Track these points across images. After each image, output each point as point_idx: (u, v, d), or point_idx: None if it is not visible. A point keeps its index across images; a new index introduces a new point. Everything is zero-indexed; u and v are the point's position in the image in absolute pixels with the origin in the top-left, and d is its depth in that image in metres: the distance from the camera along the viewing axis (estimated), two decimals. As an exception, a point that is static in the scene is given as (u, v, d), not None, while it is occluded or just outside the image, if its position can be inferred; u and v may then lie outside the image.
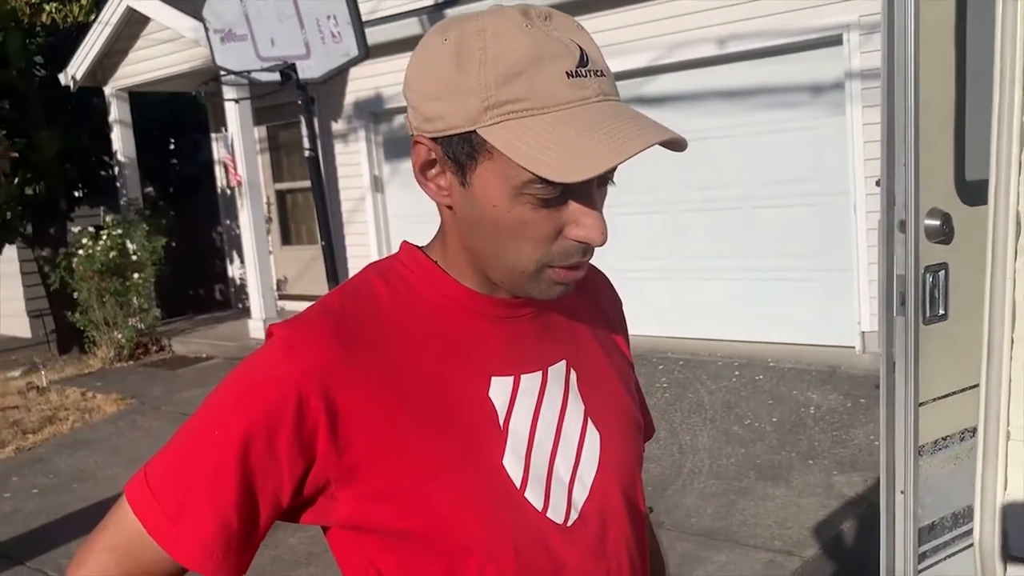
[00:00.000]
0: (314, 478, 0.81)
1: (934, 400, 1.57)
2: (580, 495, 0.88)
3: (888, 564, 1.61)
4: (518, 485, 0.84)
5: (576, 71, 0.75)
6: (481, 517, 0.83)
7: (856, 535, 3.48)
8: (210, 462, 0.80)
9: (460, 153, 0.78)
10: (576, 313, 0.96)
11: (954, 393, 1.59)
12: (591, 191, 0.79)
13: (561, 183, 0.75)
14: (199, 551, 0.80)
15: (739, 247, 5.97)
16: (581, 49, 0.77)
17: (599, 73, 0.77)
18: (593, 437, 0.91)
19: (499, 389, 0.86)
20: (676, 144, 0.78)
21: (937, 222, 1.53)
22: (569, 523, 0.87)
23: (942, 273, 1.56)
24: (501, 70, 0.75)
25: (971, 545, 1.35)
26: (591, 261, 1.04)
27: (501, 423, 0.85)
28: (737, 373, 5.49)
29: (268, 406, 0.79)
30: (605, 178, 0.80)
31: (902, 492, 1.54)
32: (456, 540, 0.82)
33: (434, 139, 0.80)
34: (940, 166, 1.56)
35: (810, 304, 5.71)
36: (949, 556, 1.62)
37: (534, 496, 0.85)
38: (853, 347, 5.44)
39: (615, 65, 0.74)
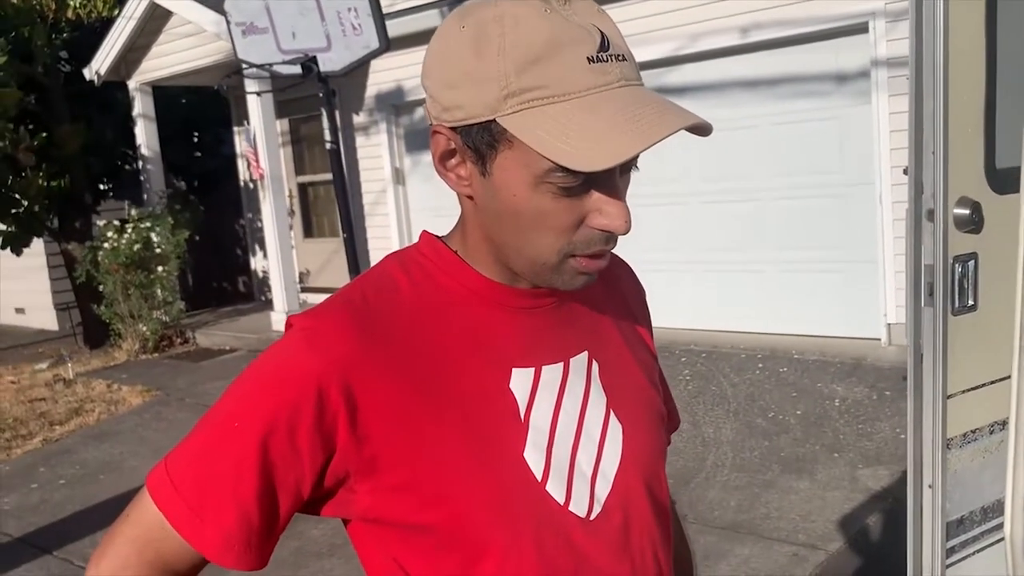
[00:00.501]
0: (334, 470, 0.81)
1: (963, 392, 1.54)
2: (603, 488, 0.87)
3: (916, 559, 1.59)
4: (539, 478, 0.83)
5: (597, 56, 0.74)
6: (501, 510, 0.82)
7: (882, 529, 3.44)
8: (231, 454, 0.80)
9: (480, 142, 0.77)
10: (598, 303, 0.95)
11: (983, 385, 1.56)
12: (614, 179, 0.78)
13: (583, 172, 0.73)
14: (221, 543, 0.80)
15: (763, 238, 5.92)
16: (602, 33, 0.75)
17: (621, 58, 0.76)
18: (615, 429, 0.89)
19: (520, 381, 0.85)
20: (701, 129, 0.76)
21: (967, 211, 1.50)
22: (592, 517, 0.85)
23: (971, 263, 1.53)
24: (520, 57, 0.73)
25: (1001, 540, 1.32)
26: (614, 251, 1.03)
27: (522, 415, 0.84)
28: (761, 365, 5.45)
29: (288, 397, 0.79)
30: (628, 165, 0.79)
31: (930, 486, 1.51)
32: (476, 533, 0.81)
33: (453, 128, 0.78)
34: (970, 154, 1.53)
35: (835, 296, 5.65)
36: (978, 551, 1.59)
37: (556, 489, 0.84)
38: (879, 339, 5.38)
39: (637, 55, 0.73)
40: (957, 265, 1.51)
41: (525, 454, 0.83)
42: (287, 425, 0.78)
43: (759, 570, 3.20)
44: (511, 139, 0.75)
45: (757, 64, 5.74)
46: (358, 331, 0.81)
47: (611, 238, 0.80)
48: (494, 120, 0.75)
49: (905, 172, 1.54)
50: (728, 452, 4.27)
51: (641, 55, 6.55)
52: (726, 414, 4.75)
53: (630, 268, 1.05)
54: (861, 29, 5.21)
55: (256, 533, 0.81)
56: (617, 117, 0.72)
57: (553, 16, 0.74)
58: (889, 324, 5.32)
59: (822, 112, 5.54)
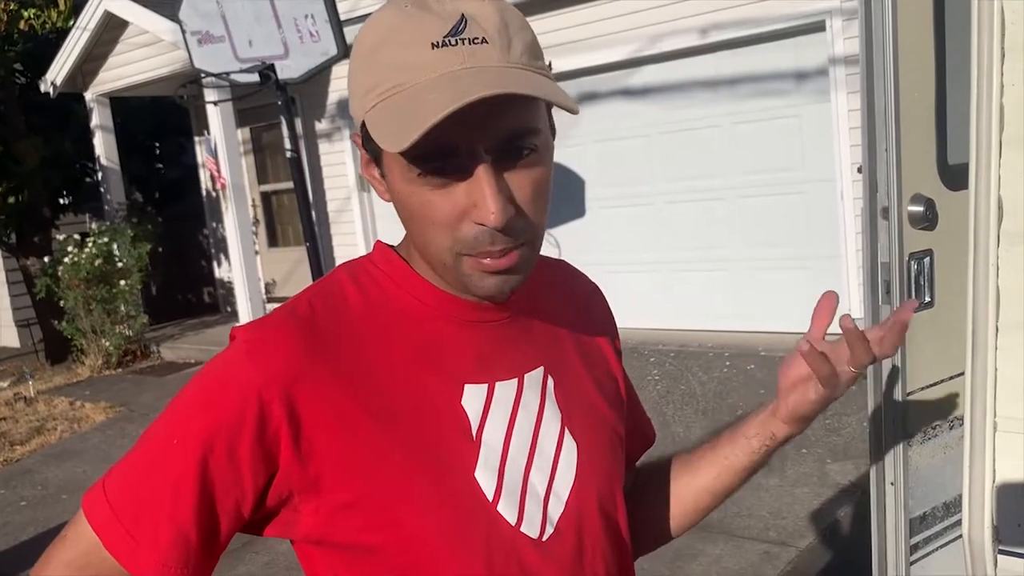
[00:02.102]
0: (277, 488, 0.78)
1: (922, 389, 1.54)
2: (556, 509, 0.85)
3: (880, 556, 1.59)
4: (490, 498, 0.81)
5: (443, 41, 0.71)
6: (451, 532, 0.79)
7: (851, 524, 3.47)
8: (169, 472, 0.77)
9: (369, 146, 0.78)
10: (558, 319, 0.92)
11: (942, 381, 1.57)
12: (476, 168, 0.73)
13: (423, 158, 0.72)
14: (156, 566, 0.77)
15: (727, 236, 5.95)
16: (462, 17, 0.72)
17: (479, 40, 0.72)
18: (570, 448, 0.87)
19: (472, 398, 0.82)
20: (565, 104, 0.72)
21: (920, 208, 1.50)
22: (544, 538, 0.83)
23: (927, 260, 1.53)
24: (371, 54, 0.74)
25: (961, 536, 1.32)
26: (582, 268, 1.01)
27: (474, 434, 0.81)
28: (728, 363, 5.47)
29: (228, 412, 0.76)
30: (515, 151, 0.74)
31: (892, 483, 1.51)
32: (424, 555, 0.79)
33: (362, 137, 0.80)
34: (922, 151, 1.53)
35: (800, 292, 5.68)
36: (942, 547, 1.60)
37: (507, 510, 0.81)
38: (843, 334, 5.43)
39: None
40: (913, 262, 1.51)
41: (476, 474, 0.81)
42: (227, 441, 0.75)
43: (730, 569, 3.21)
44: None
45: (718, 64, 5.78)
46: (302, 343, 0.78)
47: (497, 236, 0.74)
48: (364, 122, 0.76)
49: (860, 170, 1.54)
50: (698, 451, 4.28)
51: (602, 58, 6.53)
52: (695, 413, 4.77)
53: (596, 287, 1.02)
54: (818, 27, 5.26)
55: (195, 554, 0.78)
56: (438, 95, 0.69)
57: (408, 10, 0.73)
58: (854, 320, 5.36)
59: (783, 110, 5.58)
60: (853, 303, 5.35)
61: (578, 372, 0.92)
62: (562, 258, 1.03)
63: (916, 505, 1.55)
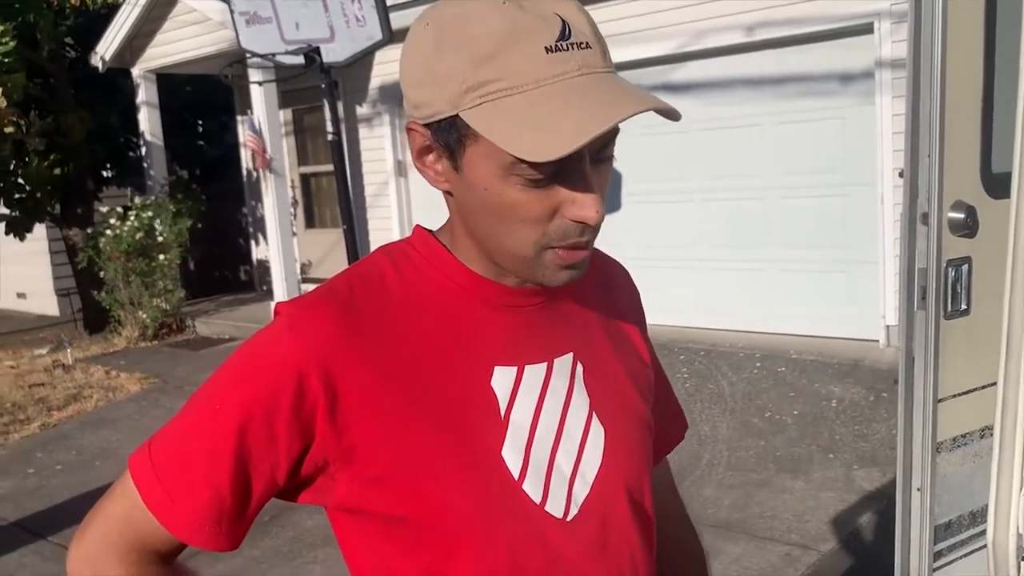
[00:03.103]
0: (313, 457, 0.81)
1: (953, 396, 1.54)
2: (581, 490, 0.86)
3: (903, 562, 1.59)
4: (516, 477, 0.83)
5: (556, 45, 0.73)
6: (476, 506, 0.82)
7: (875, 531, 3.45)
8: (209, 436, 0.81)
9: (449, 138, 0.78)
10: (590, 306, 0.94)
11: (974, 390, 1.56)
12: (582, 168, 0.76)
13: (544, 162, 0.73)
14: (190, 524, 0.82)
15: (763, 237, 5.91)
16: (563, 21, 0.74)
17: (584, 45, 0.75)
18: (598, 432, 0.89)
19: (502, 379, 0.84)
20: (667, 113, 0.75)
21: (961, 215, 1.50)
22: (569, 518, 0.85)
23: (965, 267, 1.52)
24: (476, 52, 0.74)
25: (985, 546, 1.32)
26: (615, 257, 1.03)
27: (502, 414, 0.84)
28: (759, 364, 5.45)
29: (268, 383, 0.79)
30: (602, 155, 0.78)
31: (919, 489, 1.51)
32: (450, 530, 0.81)
33: (426, 125, 0.79)
34: (966, 158, 1.52)
35: (835, 296, 5.65)
36: (966, 555, 1.60)
37: (532, 488, 0.84)
38: (877, 340, 5.38)
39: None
40: (950, 269, 1.50)
41: (503, 452, 0.83)
42: (265, 411, 0.79)
43: (751, 569, 3.20)
44: (475, 134, 0.75)
45: (762, 62, 5.73)
46: (341, 322, 0.81)
47: (586, 229, 0.78)
48: (457, 115, 0.75)
49: (901, 175, 1.54)
50: (723, 451, 4.27)
51: (644, 52, 6.51)
52: (722, 413, 4.75)
53: (627, 273, 1.04)
54: (867, 29, 5.20)
55: (228, 516, 0.82)
56: (570, 105, 0.72)
57: (510, 8, 0.74)
58: (888, 326, 5.31)
59: (826, 112, 5.52)
60: (889, 310, 5.30)
61: (608, 359, 0.93)
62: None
63: (942, 512, 1.54)
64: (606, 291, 0.98)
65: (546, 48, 0.73)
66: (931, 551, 1.51)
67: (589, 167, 0.77)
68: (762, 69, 5.73)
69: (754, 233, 5.94)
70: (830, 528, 3.45)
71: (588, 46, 0.75)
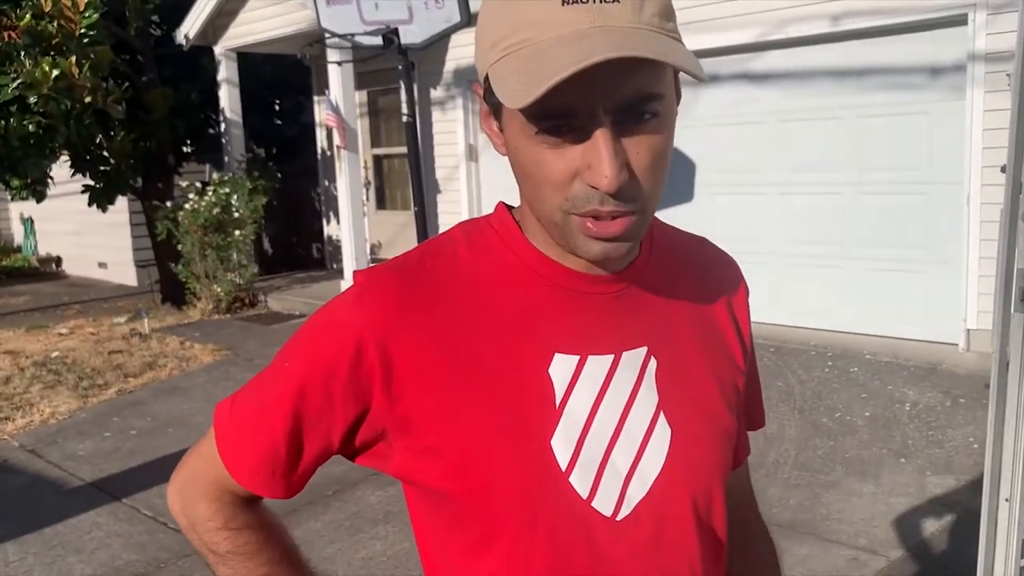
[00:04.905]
0: (371, 424, 0.83)
1: (1049, 405, 1.47)
2: (637, 491, 0.82)
3: (986, 572, 1.52)
4: (563, 468, 0.80)
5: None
6: (516, 492, 0.80)
7: (948, 540, 3.34)
8: (273, 393, 0.86)
9: (491, 98, 0.78)
10: (680, 300, 0.89)
11: (1072, 399, 1.48)
12: (594, 130, 0.71)
13: (546, 115, 0.71)
14: (247, 470, 0.88)
15: (841, 233, 5.75)
16: None
17: (611, 0, 0.70)
18: (663, 433, 0.84)
19: (561, 367, 0.82)
20: (694, 68, 0.69)
21: (1066, 214, 1.42)
22: (619, 517, 0.82)
23: (1068, 270, 1.45)
24: (500, 9, 0.74)
25: (1081, 562, 1.26)
26: (724, 249, 0.98)
27: (557, 402, 0.81)
28: (831, 364, 5.32)
29: (330, 348, 0.82)
30: (635, 116, 0.72)
31: (1007, 499, 1.45)
32: (491, 511, 0.81)
33: (484, 89, 0.80)
34: (1074, 154, 1.44)
35: (913, 297, 5.47)
36: (1054, 571, 1.52)
37: (580, 482, 0.81)
38: (956, 344, 5.20)
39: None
40: (1052, 271, 1.43)
41: (552, 441, 0.81)
42: (324, 374, 0.82)
43: (817, 571, 3.14)
44: None
45: (846, 53, 5.56)
46: (405, 294, 0.82)
47: (606, 198, 0.73)
48: (487, 73, 0.76)
49: (1003, 170, 1.47)
50: (791, 450, 4.19)
51: (723, 40, 6.42)
52: (791, 411, 4.66)
53: (735, 264, 0.98)
54: (960, 21, 5.00)
55: (281, 467, 0.86)
56: (552, 54, 0.69)
57: None
58: (969, 330, 5.13)
59: (912, 106, 5.34)
60: (970, 313, 5.11)
61: (692, 359, 0.88)
62: (704, 236, 0.99)
63: (1031, 525, 1.48)
64: (704, 286, 0.93)
65: (562, 1, 0.71)
66: (1018, 564, 1.45)
67: (606, 130, 0.71)
68: (846, 60, 5.56)
69: (830, 229, 5.79)
70: (900, 534, 3.35)
71: (615, 1, 0.71)
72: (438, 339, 0.81)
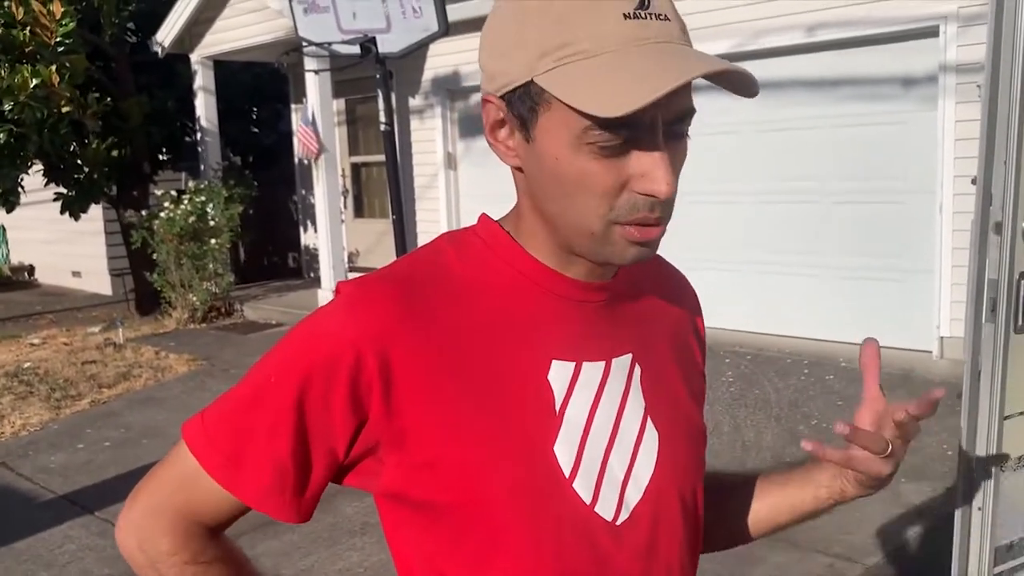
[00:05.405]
0: (365, 438, 0.81)
1: (1020, 414, 1.48)
2: (634, 495, 0.84)
3: (959, 582, 1.54)
4: (567, 474, 0.81)
5: (635, 13, 0.73)
6: (522, 500, 0.80)
7: (923, 546, 3.36)
8: (268, 408, 0.81)
9: (522, 107, 0.77)
10: (652, 308, 0.93)
11: (1043, 408, 1.50)
12: (656, 140, 0.74)
13: (619, 126, 0.72)
14: (258, 490, 0.82)
15: (816, 242, 5.80)
16: None
17: (663, 17, 0.74)
18: (652, 437, 0.87)
19: (559, 373, 0.83)
20: (744, 85, 0.74)
21: (1036, 225, 1.44)
22: (619, 522, 0.83)
23: (1038, 280, 1.46)
24: (556, 17, 0.73)
25: (1052, 569, 1.27)
26: (672, 261, 1.00)
27: (557, 409, 0.82)
28: (806, 371, 5.36)
29: (326, 357, 0.79)
30: (677, 130, 0.76)
31: (979, 508, 1.46)
32: (494, 520, 0.80)
33: (501, 97, 0.78)
34: (1043, 166, 1.46)
35: (887, 305, 5.53)
36: (1026, 578, 1.54)
37: (583, 488, 0.82)
38: (930, 352, 5.25)
39: (688, 31, 0.71)
40: (1023, 281, 1.45)
41: (555, 448, 0.81)
42: (322, 385, 0.79)
43: (793, 579, 3.15)
44: (549, 100, 0.74)
45: (821, 64, 5.62)
46: (400, 304, 0.81)
47: (656, 204, 0.76)
48: (532, 81, 0.75)
49: (973, 181, 1.49)
50: (768, 457, 4.21)
51: (701, 50, 6.49)
52: (768, 419, 4.68)
53: (688, 281, 1.02)
54: (931, 33, 5.07)
55: (290, 486, 0.82)
56: (644, 65, 0.71)
57: None
58: (942, 337, 5.18)
59: (886, 116, 5.40)
60: (944, 321, 5.17)
61: (666, 363, 0.92)
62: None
63: (1004, 533, 1.49)
64: (668, 295, 0.96)
65: (624, 15, 0.72)
66: (991, 573, 1.46)
67: (663, 140, 0.75)
68: (822, 71, 5.63)
69: (806, 238, 5.84)
70: (876, 542, 3.38)
71: (667, 18, 0.74)
72: (435, 349, 0.80)
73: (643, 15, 0.73)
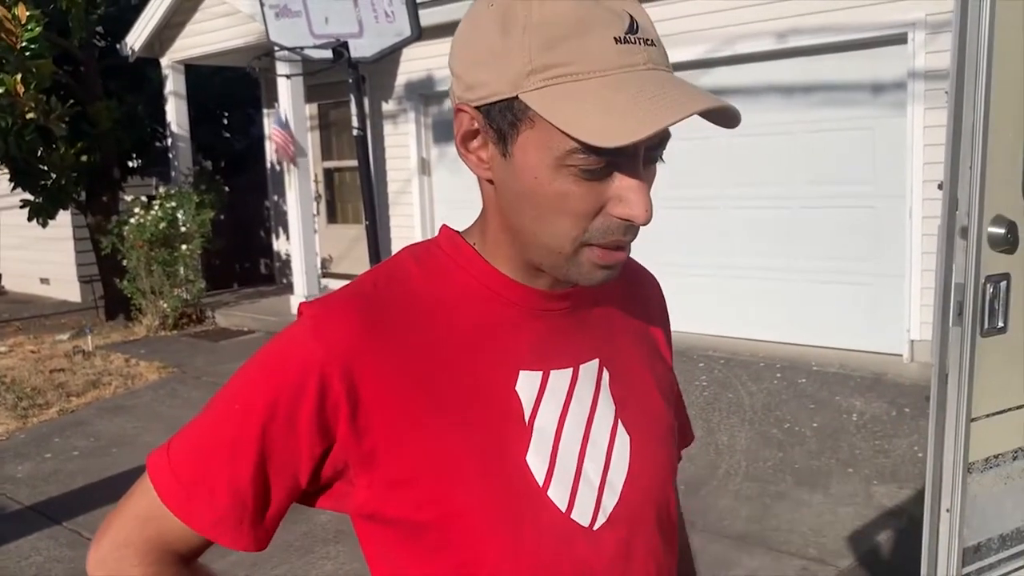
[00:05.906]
0: (333, 461, 0.80)
1: (987, 416, 1.50)
2: (610, 499, 0.84)
3: (929, 583, 1.55)
4: (541, 483, 0.81)
5: (624, 37, 0.72)
6: (499, 512, 0.80)
7: (895, 548, 3.39)
8: (229, 435, 0.80)
9: (502, 122, 0.75)
10: (616, 310, 0.93)
11: (1009, 410, 1.52)
12: (637, 165, 0.75)
13: (604, 152, 0.71)
14: (211, 521, 0.81)
15: (789, 247, 5.85)
16: (631, 16, 0.73)
17: (649, 42, 0.74)
18: (623, 440, 0.87)
19: (527, 384, 0.82)
20: (727, 118, 0.75)
21: (1002, 230, 1.46)
22: (596, 527, 0.83)
23: (1004, 284, 1.48)
24: (546, 34, 0.72)
25: (1021, 568, 1.28)
26: (641, 262, 1.00)
27: (526, 419, 0.82)
28: (779, 375, 5.39)
29: (291, 383, 0.78)
30: (653, 155, 0.77)
31: (948, 510, 1.47)
32: (472, 534, 0.79)
33: (477, 108, 0.77)
34: (1008, 171, 1.48)
35: (859, 309, 5.58)
36: (994, 579, 1.55)
37: (558, 495, 0.81)
38: (901, 355, 5.31)
39: (670, 56, 0.71)
40: (988, 285, 1.46)
41: (527, 458, 0.81)
42: (287, 410, 0.78)
43: (767, 582, 3.16)
44: (533, 118, 0.73)
45: (792, 70, 5.67)
46: (365, 322, 0.80)
47: (630, 228, 0.77)
48: (516, 97, 0.73)
49: (940, 187, 1.50)
50: (741, 461, 4.23)
51: (674, 56, 6.52)
52: (741, 423, 4.71)
53: (654, 278, 1.02)
54: (900, 40, 5.13)
55: (249, 515, 0.81)
56: (640, 96, 0.71)
57: None
58: (912, 340, 5.24)
59: (856, 122, 5.46)
60: (914, 324, 5.23)
61: (634, 365, 0.92)
62: None
63: (971, 534, 1.50)
64: (633, 296, 0.96)
65: (615, 39, 0.72)
66: (960, 574, 1.47)
67: (642, 167, 0.75)
68: (793, 77, 5.68)
69: (778, 242, 5.89)
70: (848, 544, 3.40)
71: (653, 43, 0.75)
72: (402, 365, 0.79)
73: (632, 39, 0.73)
